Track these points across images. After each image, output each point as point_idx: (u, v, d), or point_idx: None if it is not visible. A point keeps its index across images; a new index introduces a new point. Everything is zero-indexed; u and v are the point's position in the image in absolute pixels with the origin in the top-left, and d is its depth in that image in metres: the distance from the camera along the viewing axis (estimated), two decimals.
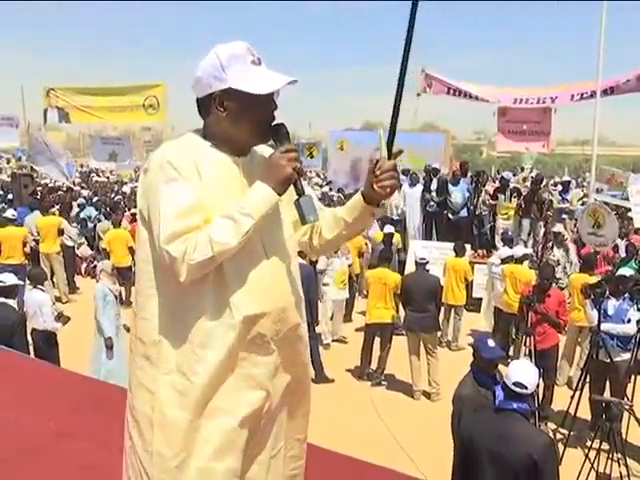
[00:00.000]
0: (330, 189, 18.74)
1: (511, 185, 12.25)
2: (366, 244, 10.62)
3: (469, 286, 9.65)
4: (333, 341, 9.04)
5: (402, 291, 7.49)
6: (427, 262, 7.79)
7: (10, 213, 10.97)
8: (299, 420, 2.02)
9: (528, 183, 13.09)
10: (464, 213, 11.92)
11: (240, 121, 1.77)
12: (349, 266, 9.49)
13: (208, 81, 1.75)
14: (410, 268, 9.75)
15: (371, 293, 7.81)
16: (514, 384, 3.36)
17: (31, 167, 17.69)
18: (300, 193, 1.78)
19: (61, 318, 6.53)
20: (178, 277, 1.65)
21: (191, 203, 1.67)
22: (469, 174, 12.85)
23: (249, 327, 1.76)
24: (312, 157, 20.54)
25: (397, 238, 11.00)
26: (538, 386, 4.63)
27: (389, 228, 10.15)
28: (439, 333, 8.09)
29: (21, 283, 8.72)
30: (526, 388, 3.33)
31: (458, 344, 9.05)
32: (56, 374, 5.06)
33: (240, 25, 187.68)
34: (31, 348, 6.30)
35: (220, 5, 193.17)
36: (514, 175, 14.43)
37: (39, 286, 6.85)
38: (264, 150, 1.91)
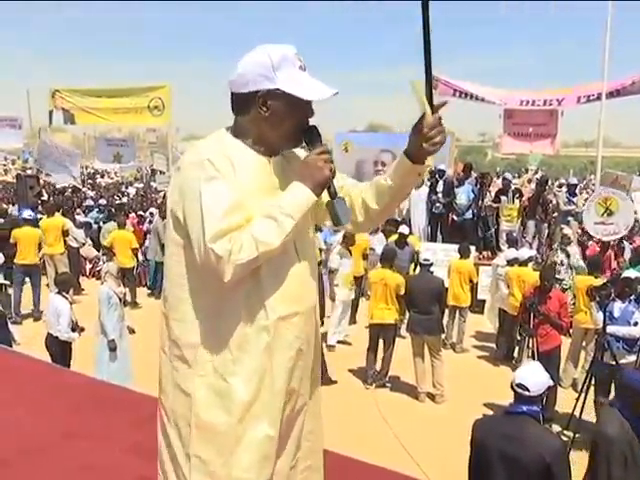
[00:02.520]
0: None
1: (513, 187, 12.17)
2: (372, 248, 10.52)
3: (474, 288, 9.61)
4: (337, 342, 9.01)
5: (406, 293, 7.46)
6: (431, 264, 7.74)
7: (27, 214, 10.99)
8: (316, 427, 1.98)
9: (533, 185, 13.02)
10: (469, 215, 11.87)
11: (280, 123, 1.74)
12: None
13: (254, 79, 1.70)
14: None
15: (373, 294, 7.79)
16: (517, 385, 3.35)
17: (37, 169, 17.74)
18: (333, 195, 1.77)
19: (76, 330, 6.52)
20: (222, 277, 1.61)
21: (233, 201, 1.65)
22: (474, 175, 12.78)
23: (283, 328, 1.74)
24: None
25: (415, 240, 10.86)
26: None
27: (404, 229, 10.03)
28: (443, 335, 8.05)
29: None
30: (527, 390, 3.30)
31: (462, 346, 9.03)
32: (56, 374, 5.06)
33: (240, 25, 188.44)
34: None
35: (220, 5, 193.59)
36: (518, 177, 14.36)
37: (64, 293, 6.70)
38: (296, 151, 1.89)
